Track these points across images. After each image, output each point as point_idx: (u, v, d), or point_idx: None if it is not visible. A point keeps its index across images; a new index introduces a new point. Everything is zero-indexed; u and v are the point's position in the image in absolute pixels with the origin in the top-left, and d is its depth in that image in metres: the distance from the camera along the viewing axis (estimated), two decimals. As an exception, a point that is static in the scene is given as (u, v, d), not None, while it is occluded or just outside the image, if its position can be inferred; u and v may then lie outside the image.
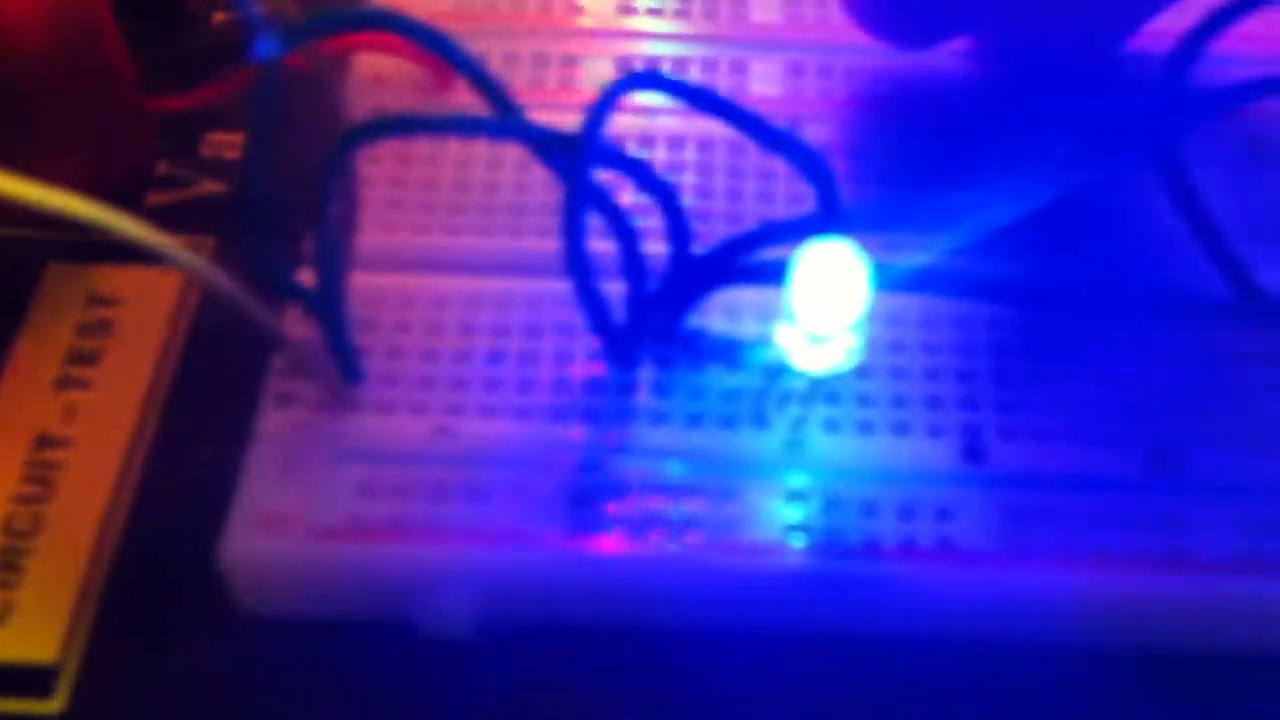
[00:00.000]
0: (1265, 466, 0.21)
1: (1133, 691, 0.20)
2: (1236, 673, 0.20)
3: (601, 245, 0.21)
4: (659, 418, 0.22)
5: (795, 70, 0.26)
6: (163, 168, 0.26)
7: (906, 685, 0.20)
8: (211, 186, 0.26)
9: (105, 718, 0.20)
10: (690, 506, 0.21)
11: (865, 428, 0.22)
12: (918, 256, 0.22)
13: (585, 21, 0.27)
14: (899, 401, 0.22)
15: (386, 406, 0.22)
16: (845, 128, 0.25)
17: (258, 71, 0.19)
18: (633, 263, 0.21)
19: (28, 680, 0.20)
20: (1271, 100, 0.23)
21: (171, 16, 0.28)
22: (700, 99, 0.21)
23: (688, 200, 0.24)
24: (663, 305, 0.22)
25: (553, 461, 0.21)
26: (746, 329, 0.22)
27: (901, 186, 0.24)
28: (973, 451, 0.21)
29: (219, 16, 0.29)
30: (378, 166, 0.24)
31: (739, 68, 0.26)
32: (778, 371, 0.21)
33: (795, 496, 0.21)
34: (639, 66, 0.26)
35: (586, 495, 0.21)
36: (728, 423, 0.22)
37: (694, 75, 0.26)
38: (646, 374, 0.22)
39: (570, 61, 0.26)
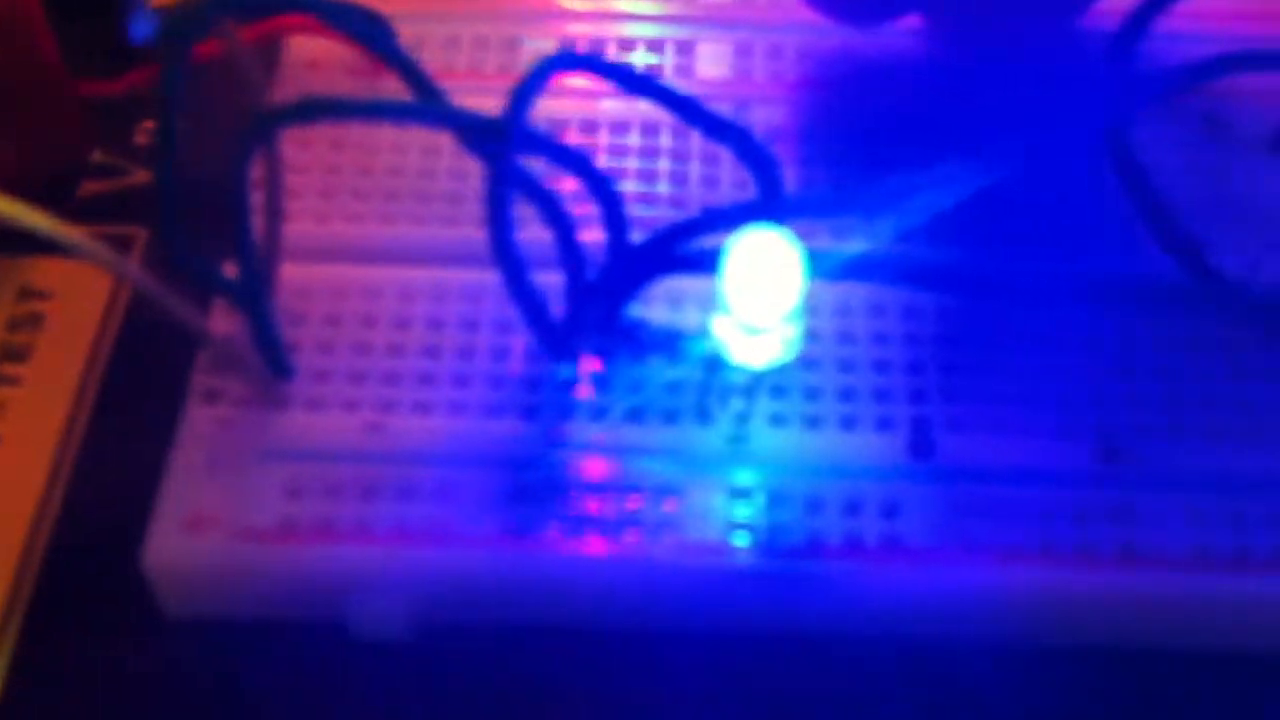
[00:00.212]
0: (1218, 458, 0.21)
1: (1082, 688, 0.20)
2: (1187, 669, 0.20)
3: (544, 234, 0.21)
4: (598, 412, 0.21)
5: (744, 51, 0.25)
6: (97, 156, 0.26)
7: (852, 684, 0.20)
8: (146, 176, 0.26)
9: (31, 720, 0.20)
10: (630, 504, 0.20)
11: (812, 422, 0.21)
12: (865, 242, 0.21)
13: (528, 3, 0.26)
14: (847, 394, 0.21)
15: (317, 403, 0.21)
16: (795, 110, 0.25)
17: (164, 58, 0.18)
18: (569, 252, 0.21)
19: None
20: (1226, 78, 0.22)
21: (104, 2, 0.27)
22: (630, 81, 0.21)
23: (631, 186, 0.24)
24: (601, 296, 0.21)
25: (488, 458, 0.21)
26: (689, 319, 0.22)
27: (851, 170, 0.24)
28: (921, 445, 0.21)
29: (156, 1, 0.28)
30: (309, 152, 0.24)
31: (686, 48, 0.26)
32: (718, 364, 0.20)
33: (738, 493, 0.20)
34: (583, 48, 0.25)
35: (523, 493, 0.20)
36: (670, 418, 0.21)
37: (640, 56, 0.25)
38: (585, 367, 0.21)
39: (511, 44, 0.25)
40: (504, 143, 0.18)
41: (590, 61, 0.20)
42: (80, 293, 0.24)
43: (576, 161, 0.20)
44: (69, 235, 0.18)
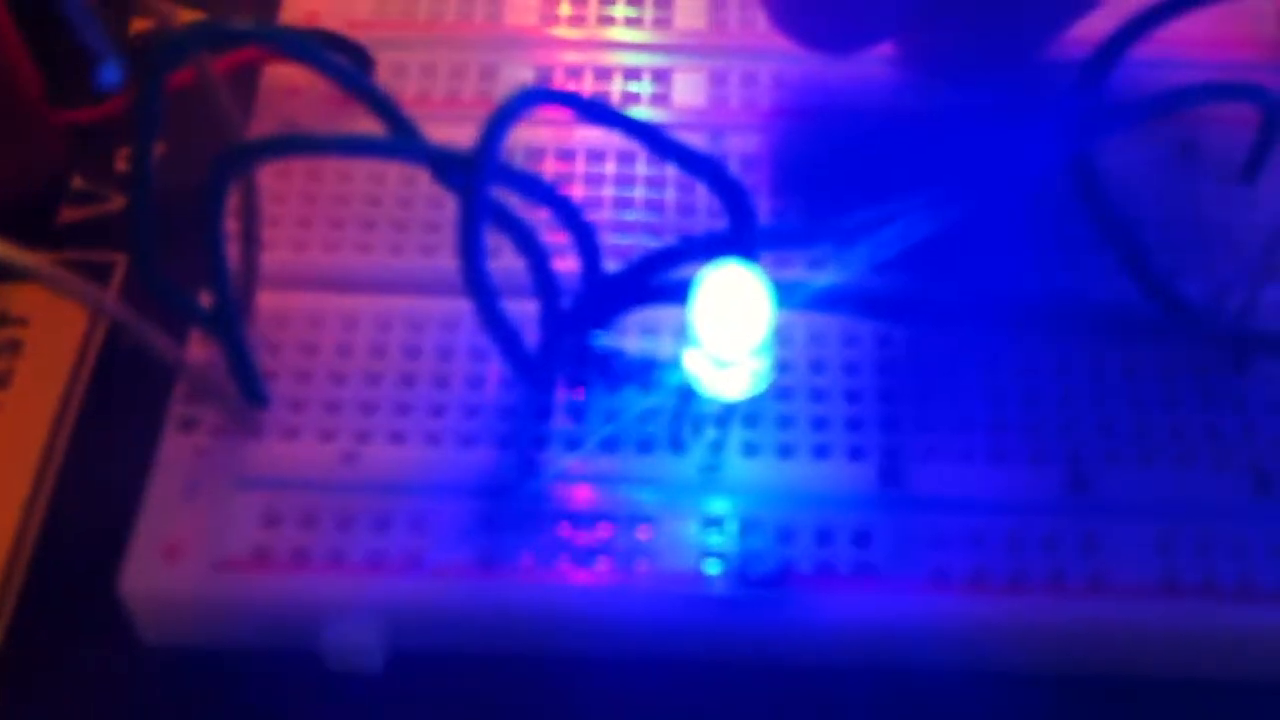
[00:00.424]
0: (1187, 486, 0.21)
1: (1051, 717, 0.20)
2: (1156, 697, 0.20)
3: (519, 263, 0.21)
4: (572, 441, 0.21)
5: (719, 79, 0.26)
6: (77, 182, 0.26)
7: (824, 712, 0.20)
8: (125, 202, 0.26)
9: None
10: (603, 533, 0.20)
11: (784, 451, 0.21)
12: (838, 273, 0.21)
13: (505, 31, 0.26)
14: (819, 424, 0.21)
15: (293, 432, 0.21)
16: (770, 138, 0.25)
17: (139, 90, 0.18)
18: (544, 282, 0.21)
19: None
20: (1198, 107, 0.22)
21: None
22: (602, 115, 0.21)
23: (607, 214, 0.24)
24: (575, 326, 0.21)
25: (463, 488, 0.21)
26: (663, 348, 0.22)
27: (826, 198, 0.24)
28: (892, 474, 0.21)
29: (138, 25, 0.28)
30: (288, 181, 0.24)
31: (662, 77, 0.26)
32: (690, 395, 0.20)
33: (711, 522, 0.20)
34: (560, 76, 0.26)
35: (498, 522, 0.20)
36: (643, 447, 0.21)
37: (617, 84, 0.26)
38: (560, 396, 0.21)
39: (489, 72, 0.26)
40: (475, 176, 0.18)
41: (562, 96, 0.21)
42: (59, 319, 0.24)
43: (548, 194, 0.20)
44: (37, 266, 0.18)
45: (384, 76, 0.25)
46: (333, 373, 0.22)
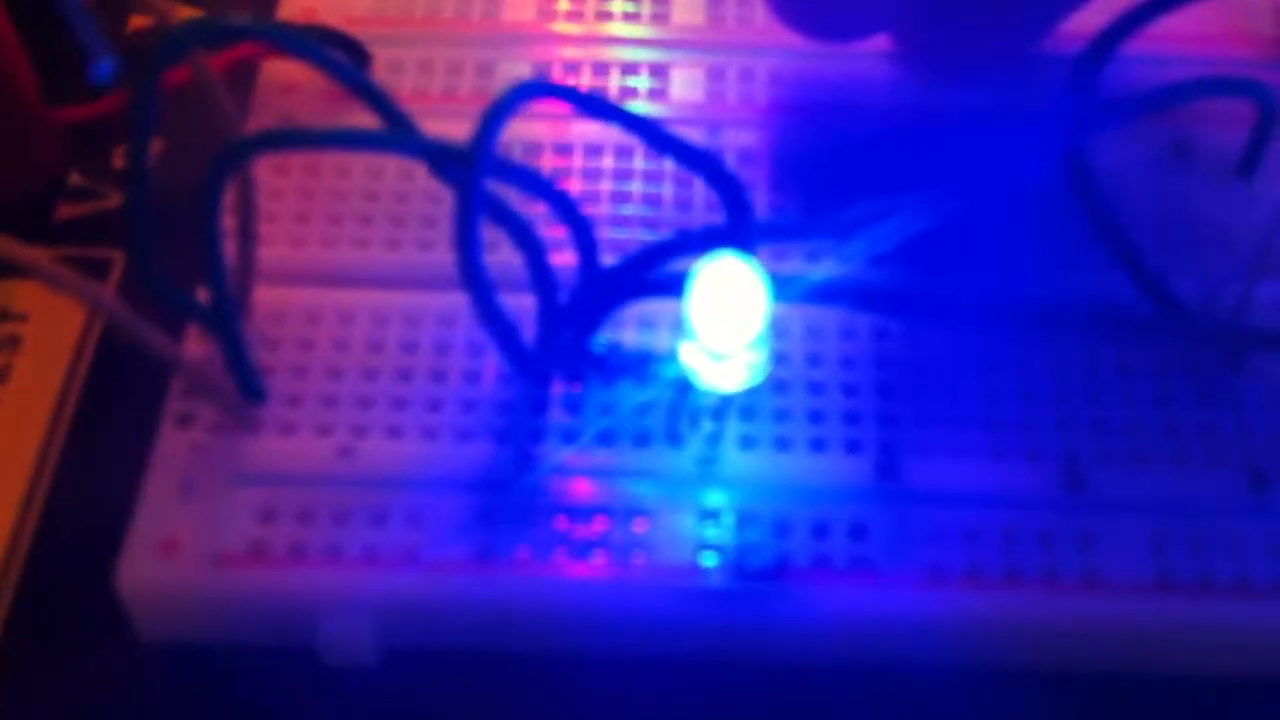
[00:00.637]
0: (1182, 484, 0.21)
1: (1046, 712, 0.20)
2: (1150, 693, 0.20)
3: (516, 257, 0.21)
4: (569, 435, 0.21)
5: (716, 75, 0.26)
6: (75, 179, 0.26)
7: (820, 706, 0.20)
8: (122, 199, 0.26)
9: (3, 746, 0.20)
10: (600, 526, 0.20)
11: (781, 444, 0.21)
12: (836, 266, 0.21)
13: (503, 27, 0.26)
14: (816, 417, 0.21)
15: (289, 427, 0.21)
16: (767, 133, 0.25)
17: (134, 87, 0.18)
18: (541, 276, 0.21)
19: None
20: (1192, 103, 0.22)
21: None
22: (599, 108, 0.21)
23: (605, 208, 0.24)
24: (572, 320, 0.21)
25: (460, 482, 0.21)
26: (660, 342, 0.22)
27: (823, 193, 0.24)
28: (888, 468, 0.21)
29: (136, 22, 0.28)
30: (285, 177, 0.24)
31: (660, 72, 0.26)
32: (686, 388, 0.20)
33: (708, 515, 0.20)
34: (558, 72, 0.26)
35: (494, 516, 0.20)
36: (640, 440, 0.21)
37: (615, 80, 0.26)
38: (557, 390, 0.22)
39: (486, 68, 0.26)
40: (471, 170, 0.18)
41: (559, 89, 0.21)
42: (57, 315, 0.24)
43: (545, 188, 0.20)
44: (36, 262, 0.18)
45: (381, 73, 0.25)
46: (330, 368, 0.22)
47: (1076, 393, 0.21)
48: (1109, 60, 0.21)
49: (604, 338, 0.21)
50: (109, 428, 0.23)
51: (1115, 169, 0.22)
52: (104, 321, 0.24)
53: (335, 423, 0.21)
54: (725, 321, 0.18)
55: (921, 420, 0.21)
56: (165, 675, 0.20)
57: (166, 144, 0.26)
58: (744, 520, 0.20)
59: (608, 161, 0.24)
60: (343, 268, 0.23)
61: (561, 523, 0.20)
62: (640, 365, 0.21)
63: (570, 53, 0.26)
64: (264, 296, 0.22)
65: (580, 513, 0.20)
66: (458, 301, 0.22)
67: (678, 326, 0.21)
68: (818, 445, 0.21)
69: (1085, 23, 0.23)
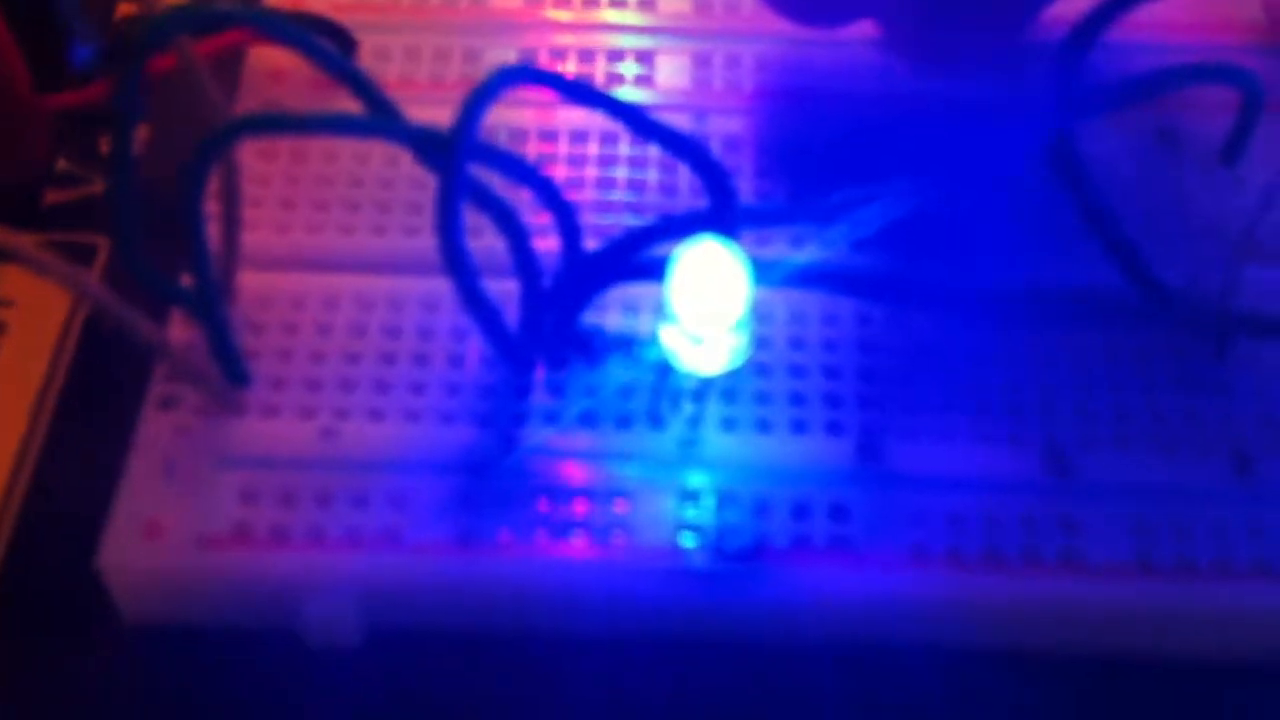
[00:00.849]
0: (1164, 469, 0.21)
1: (1026, 695, 0.20)
2: (1129, 676, 0.20)
3: (500, 242, 0.21)
4: (551, 418, 0.21)
5: (702, 61, 0.26)
6: (62, 165, 0.26)
7: (799, 687, 0.20)
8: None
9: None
10: (581, 508, 0.20)
11: (763, 426, 0.21)
12: (819, 252, 0.21)
13: (490, 14, 0.26)
14: (797, 399, 0.21)
15: (272, 410, 0.21)
16: (752, 120, 0.25)
17: (118, 74, 0.18)
18: (524, 261, 0.21)
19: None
20: (1177, 90, 0.22)
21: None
22: (582, 94, 0.21)
23: (590, 194, 0.24)
24: (555, 304, 0.21)
25: (442, 465, 0.21)
26: (643, 325, 0.22)
27: (808, 179, 0.24)
28: (870, 450, 0.21)
29: (125, 9, 0.28)
30: (272, 163, 0.24)
31: (645, 58, 0.26)
32: (668, 370, 0.20)
33: (689, 496, 0.20)
34: (545, 59, 0.26)
35: (476, 499, 0.20)
36: (622, 422, 0.21)
37: (601, 66, 0.26)
38: (540, 374, 0.22)
39: (473, 55, 0.26)
40: (453, 154, 0.18)
41: (542, 75, 0.21)
42: (42, 300, 0.24)
43: (529, 174, 0.20)
44: (20, 247, 0.18)
45: (367, 60, 0.25)
46: (313, 352, 0.22)
47: (1061, 377, 0.22)
48: (1091, 46, 0.21)
49: (587, 322, 0.22)
50: (94, 411, 0.23)
51: (1100, 156, 0.22)
52: (89, 306, 0.24)
53: (319, 406, 0.21)
54: (705, 304, 0.19)
55: (904, 403, 0.21)
56: (149, 657, 0.20)
57: (153, 131, 0.26)
58: (725, 501, 0.20)
59: (593, 148, 0.24)
60: (327, 253, 0.23)
61: (543, 504, 0.20)
62: (622, 348, 0.21)
63: (557, 39, 0.26)
64: (249, 281, 0.22)
65: (562, 494, 0.20)
66: (442, 287, 0.22)
67: (660, 310, 0.21)
68: (799, 427, 0.21)
69: (1073, 8, 0.23)
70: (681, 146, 0.21)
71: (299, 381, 0.22)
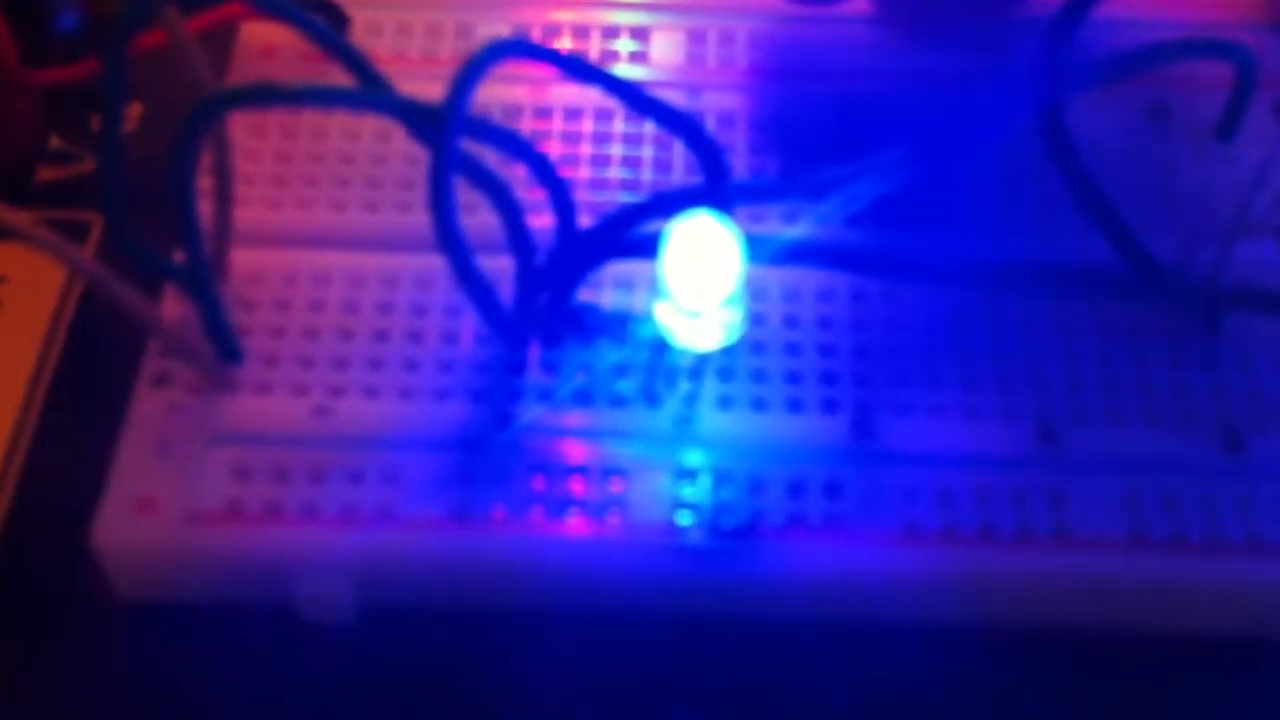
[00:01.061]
0: (1154, 443, 0.21)
1: (1020, 669, 0.20)
2: (1122, 651, 0.20)
3: (494, 219, 0.21)
4: (546, 395, 0.21)
5: (697, 38, 0.26)
6: (54, 142, 0.26)
7: (793, 664, 0.20)
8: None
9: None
10: (576, 485, 0.20)
11: (758, 404, 0.21)
12: (812, 227, 0.21)
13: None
14: (792, 378, 0.21)
15: (265, 387, 0.21)
16: (747, 97, 0.25)
17: (106, 49, 0.18)
18: (518, 237, 0.21)
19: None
20: (1170, 65, 0.22)
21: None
22: (574, 68, 0.21)
23: (584, 171, 0.24)
24: (550, 280, 0.21)
25: (436, 441, 0.21)
26: (638, 302, 0.22)
27: (803, 156, 0.24)
28: (864, 428, 0.21)
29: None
30: (263, 140, 0.24)
31: (640, 34, 0.26)
32: (663, 348, 0.20)
33: (684, 474, 0.20)
34: (538, 35, 0.26)
35: (471, 475, 0.20)
36: (617, 400, 0.21)
37: (595, 43, 0.26)
38: (535, 351, 0.22)
39: (465, 30, 0.25)
40: (445, 128, 0.18)
41: (535, 49, 0.20)
42: (36, 277, 0.24)
43: (523, 149, 0.20)
44: (15, 223, 0.18)
45: (360, 35, 0.25)
46: (306, 329, 0.22)
47: (1052, 353, 0.22)
48: (1084, 20, 0.21)
49: (581, 298, 0.21)
50: (87, 388, 0.23)
51: (1093, 131, 0.22)
52: (83, 283, 0.24)
53: (312, 383, 0.21)
54: (698, 279, 0.18)
55: (897, 381, 0.21)
56: (142, 633, 0.20)
57: (145, 108, 0.26)
58: (720, 479, 0.20)
59: (587, 125, 0.24)
60: (320, 229, 0.23)
61: (538, 482, 0.20)
62: (618, 325, 0.21)
63: (551, 15, 0.26)
64: (241, 258, 0.22)
65: (557, 472, 0.20)
66: (435, 264, 0.21)
67: (654, 287, 0.21)
68: (794, 405, 0.21)
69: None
70: (676, 123, 0.21)
71: (292, 358, 0.21)
